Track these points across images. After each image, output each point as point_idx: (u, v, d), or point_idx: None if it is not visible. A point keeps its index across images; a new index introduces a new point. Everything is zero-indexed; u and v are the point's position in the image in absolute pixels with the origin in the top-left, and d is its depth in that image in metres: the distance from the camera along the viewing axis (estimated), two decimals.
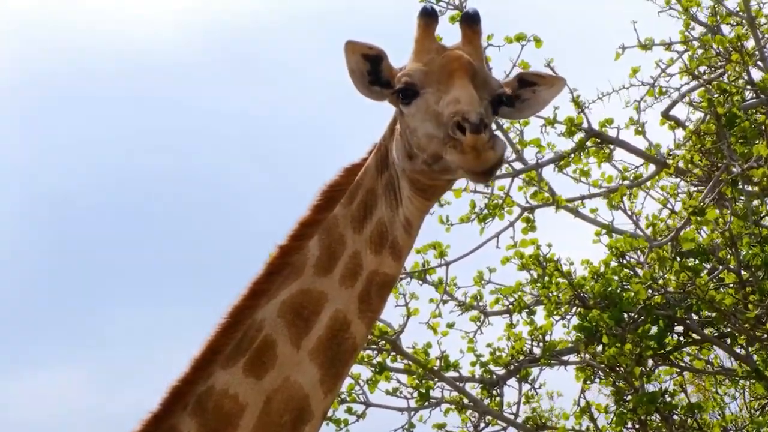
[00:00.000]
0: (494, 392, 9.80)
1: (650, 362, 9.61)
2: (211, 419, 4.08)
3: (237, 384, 4.09)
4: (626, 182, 10.18)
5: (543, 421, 9.86)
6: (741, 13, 10.22)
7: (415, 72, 4.11)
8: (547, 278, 9.63)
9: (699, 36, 10.18)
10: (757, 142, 9.56)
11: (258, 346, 4.11)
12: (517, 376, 9.88)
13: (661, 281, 9.29)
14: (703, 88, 9.79)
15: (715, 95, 9.63)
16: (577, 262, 9.81)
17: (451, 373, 9.72)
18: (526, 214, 9.99)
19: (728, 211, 9.23)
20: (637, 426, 9.42)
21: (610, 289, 9.36)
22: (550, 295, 9.58)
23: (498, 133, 9.82)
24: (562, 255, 9.71)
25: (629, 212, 10.01)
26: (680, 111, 10.34)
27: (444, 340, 9.74)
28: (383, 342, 9.51)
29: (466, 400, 9.69)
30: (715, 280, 9.45)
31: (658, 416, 9.42)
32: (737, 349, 9.71)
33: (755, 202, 9.52)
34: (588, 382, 9.75)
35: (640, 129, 10.13)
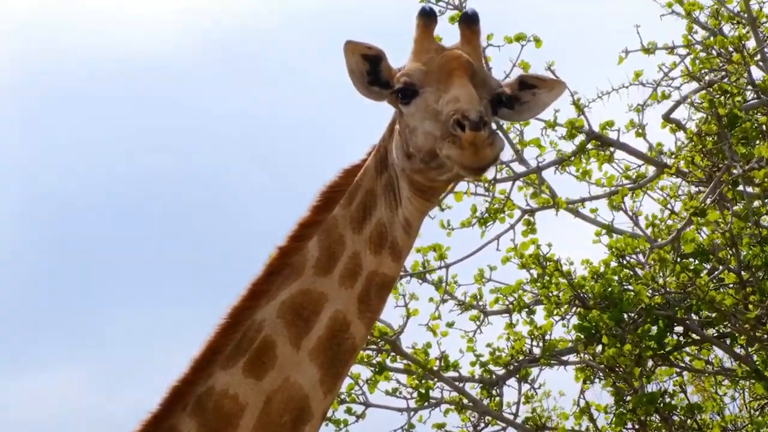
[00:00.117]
0: (494, 392, 9.80)
1: (650, 362, 9.60)
2: (211, 419, 4.08)
3: (237, 384, 4.09)
4: (627, 182, 10.17)
5: (543, 421, 9.86)
6: (742, 14, 10.22)
7: (414, 72, 4.12)
8: (547, 278, 9.63)
9: (702, 40, 10.17)
10: (757, 143, 9.56)
11: (258, 346, 4.12)
12: (517, 376, 9.88)
13: (660, 281, 9.29)
14: (704, 91, 9.79)
15: (717, 96, 9.63)
16: (577, 262, 9.82)
17: (451, 373, 9.71)
18: (526, 216, 9.98)
19: (729, 212, 9.22)
20: (636, 426, 9.42)
21: (610, 289, 9.36)
22: (550, 295, 9.58)
23: (498, 132, 9.91)
24: (562, 255, 9.72)
25: (630, 213, 10.01)
26: (681, 112, 10.34)
27: (443, 340, 9.75)
28: (383, 342, 9.51)
29: (465, 401, 9.68)
30: (715, 281, 9.45)
31: (657, 417, 9.42)
32: (737, 350, 9.71)
33: (756, 203, 9.52)
34: (587, 382, 9.74)
35: (640, 131, 10.13)
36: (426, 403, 9.69)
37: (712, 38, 10.04)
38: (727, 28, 10.41)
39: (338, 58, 4.21)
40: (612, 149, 10.14)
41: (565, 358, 9.85)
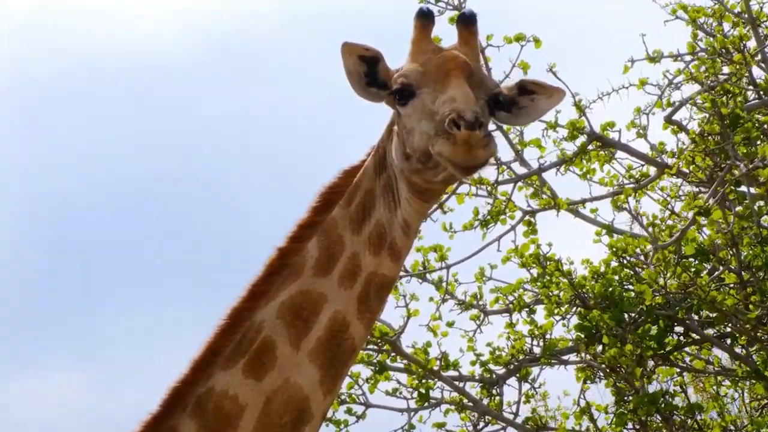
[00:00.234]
0: (494, 392, 9.79)
1: (650, 363, 9.60)
2: (211, 420, 4.08)
3: (237, 385, 4.09)
4: (629, 182, 10.16)
5: (543, 421, 9.85)
6: (743, 14, 10.22)
7: (411, 72, 4.12)
8: (547, 278, 9.63)
9: (706, 47, 10.16)
10: (758, 143, 9.56)
11: (257, 347, 4.12)
12: (517, 375, 9.87)
13: (661, 281, 9.29)
14: (706, 93, 9.79)
15: (719, 96, 9.62)
16: (577, 262, 9.82)
17: (451, 373, 9.71)
18: (527, 217, 9.98)
19: (731, 213, 9.22)
20: (637, 426, 9.41)
21: (611, 289, 9.36)
22: (551, 294, 9.58)
23: (498, 132, 9.92)
24: (562, 255, 9.71)
25: (634, 213, 10.01)
26: (683, 113, 10.33)
27: (443, 340, 9.74)
28: (382, 342, 9.50)
29: (466, 401, 9.68)
30: (715, 281, 9.44)
31: (658, 417, 9.41)
32: (737, 350, 9.71)
33: (759, 203, 9.51)
34: (588, 382, 9.74)
35: (641, 132, 10.13)
36: (426, 404, 9.69)
37: (714, 42, 10.03)
38: (727, 27, 10.41)
39: (338, 59, 4.22)
40: (613, 150, 10.14)
41: (565, 357, 9.85)
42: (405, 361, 9.62)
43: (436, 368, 9.57)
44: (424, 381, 9.60)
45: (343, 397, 9.59)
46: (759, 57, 10.13)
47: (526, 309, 9.91)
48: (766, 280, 9.26)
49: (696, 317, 9.55)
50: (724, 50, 9.88)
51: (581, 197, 10.21)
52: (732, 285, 9.40)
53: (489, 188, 9.94)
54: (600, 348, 9.38)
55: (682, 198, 10.31)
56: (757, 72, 10.19)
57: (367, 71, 4.22)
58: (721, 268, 9.51)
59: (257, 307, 4.17)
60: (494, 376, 9.83)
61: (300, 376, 4.08)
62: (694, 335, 9.70)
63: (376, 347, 9.57)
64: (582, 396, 9.81)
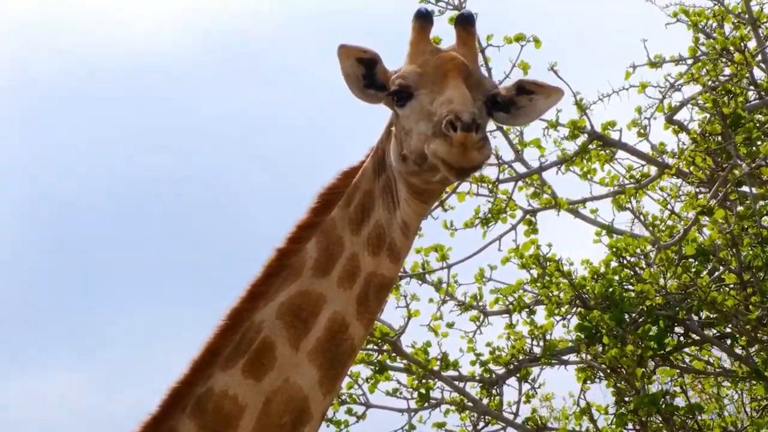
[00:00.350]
0: (494, 392, 9.79)
1: (650, 363, 9.60)
2: (211, 420, 4.08)
3: (236, 385, 4.09)
4: (629, 182, 10.16)
5: (544, 422, 9.85)
6: (743, 15, 10.22)
7: (409, 74, 4.11)
8: (547, 278, 9.62)
9: (707, 50, 10.16)
10: (759, 143, 9.55)
11: (257, 347, 4.12)
12: (517, 375, 9.87)
13: (662, 281, 9.29)
14: (707, 93, 9.79)
15: (721, 96, 9.62)
16: (577, 263, 9.81)
17: (451, 373, 9.71)
18: (528, 217, 9.98)
19: (732, 213, 9.22)
20: (637, 427, 9.40)
21: (611, 289, 9.35)
22: (551, 295, 9.58)
23: (498, 133, 9.92)
24: (562, 255, 9.71)
25: (636, 213, 10.01)
26: (684, 113, 10.33)
27: (443, 340, 9.74)
28: (382, 343, 9.50)
29: (466, 401, 9.68)
30: (715, 281, 9.44)
31: (658, 417, 9.41)
32: (737, 350, 9.70)
33: (761, 203, 9.51)
34: (588, 382, 9.74)
35: (642, 132, 10.13)
36: (426, 404, 9.69)
37: (716, 44, 10.03)
38: (728, 28, 10.40)
39: (337, 59, 4.21)
40: (614, 150, 10.13)
41: (565, 357, 9.84)
42: (405, 361, 9.62)
43: (436, 368, 9.57)
44: (424, 381, 9.60)
45: (343, 397, 9.59)
46: (759, 57, 10.13)
47: (526, 309, 9.91)
48: (766, 281, 9.25)
49: (696, 318, 9.54)
50: (725, 51, 9.87)
51: (582, 197, 10.21)
52: (732, 285, 9.40)
53: (490, 186, 9.94)
54: (600, 348, 9.38)
55: (683, 198, 10.30)
56: (758, 73, 10.19)
57: (365, 73, 4.22)
58: (721, 268, 9.51)
59: (256, 308, 4.17)
60: (494, 376, 9.83)
61: (299, 377, 4.08)
62: (694, 336, 9.70)
63: (376, 347, 9.57)
64: (582, 396, 9.81)
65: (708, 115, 9.83)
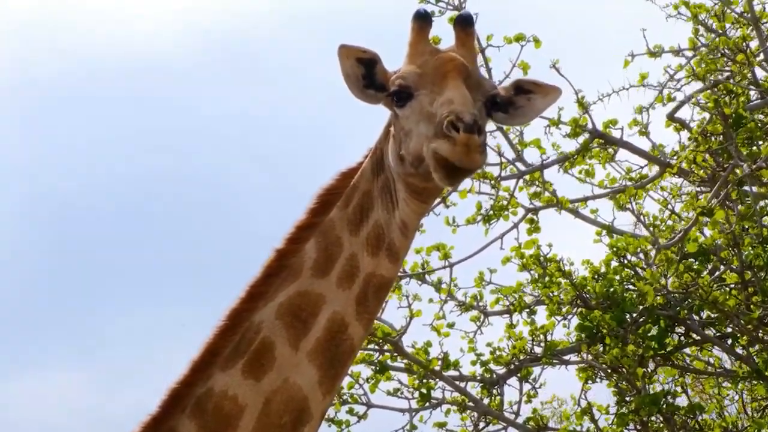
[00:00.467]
0: (494, 392, 9.78)
1: (651, 363, 9.59)
2: (211, 421, 4.08)
3: (236, 385, 4.09)
4: (629, 183, 10.15)
5: (545, 422, 9.84)
6: (745, 14, 10.22)
7: (409, 74, 4.11)
8: (548, 278, 9.62)
9: (708, 42, 10.16)
10: (760, 143, 9.55)
11: (256, 347, 4.11)
12: (518, 375, 9.86)
13: (663, 281, 9.28)
14: (709, 91, 9.78)
15: (722, 96, 9.61)
16: (577, 263, 9.81)
17: (452, 373, 9.71)
18: (530, 215, 9.97)
19: (733, 213, 9.21)
20: (638, 427, 9.40)
21: (612, 289, 9.35)
22: (551, 295, 9.57)
23: (498, 133, 9.91)
24: (562, 255, 9.71)
25: (636, 213, 10.00)
26: (685, 112, 10.33)
27: (444, 340, 9.74)
28: (383, 342, 9.50)
29: (467, 401, 9.68)
30: (716, 281, 9.43)
31: (659, 417, 9.40)
32: (738, 350, 9.70)
33: (762, 203, 9.50)
34: (589, 382, 9.73)
35: (644, 130, 10.12)
36: (427, 404, 9.69)
37: (717, 39, 10.03)
38: (729, 27, 10.39)
39: (337, 59, 4.21)
40: (615, 148, 10.13)
41: (566, 357, 9.84)
42: (406, 361, 9.61)
43: (437, 368, 9.56)
44: (425, 381, 9.59)
45: (344, 397, 9.59)
46: (761, 57, 10.12)
47: (527, 310, 9.90)
48: (767, 280, 9.24)
49: (697, 318, 9.53)
50: (727, 50, 9.86)
51: (583, 195, 10.21)
52: (733, 285, 9.39)
53: (492, 182, 9.93)
54: (601, 348, 9.37)
55: (683, 198, 10.30)
56: (760, 73, 10.18)
57: (365, 73, 4.21)
58: (722, 267, 9.50)
59: (256, 308, 4.17)
60: (495, 376, 9.83)
61: (299, 377, 4.08)
62: (694, 335, 9.69)
63: (377, 347, 9.56)
64: (583, 396, 9.80)
65: (708, 115, 9.82)
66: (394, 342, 9.47)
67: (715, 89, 9.76)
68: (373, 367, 9.60)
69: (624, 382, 9.32)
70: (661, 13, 10.39)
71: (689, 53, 10.24)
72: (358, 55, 4.19)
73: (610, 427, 9.54)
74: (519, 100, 4.31)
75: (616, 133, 10.08)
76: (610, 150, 10.15)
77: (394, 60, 4.26)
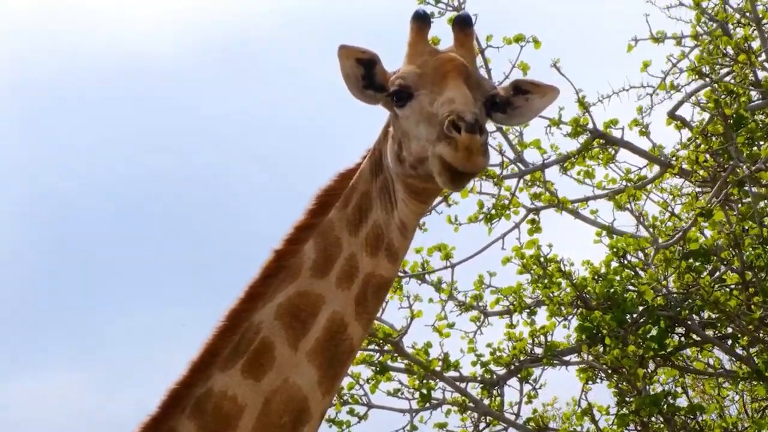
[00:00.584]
0: (495, 392, 9.78)
1: (651, 364, 9.58)
2: (211, 421, 4.07)
3: (236, 385, 4.08)
4: (629, 184, 10.14)
5: (545, 422, 9.84)
6: (748, 14, 10.21)
7: (408, 74, 4.10)
8: (548, 279, 9.61)
9: (709, 31, 10.16)
10: (761, 143, 9.54)
11: (256, 348, 4.11)
12: (518, 376, 9.86)
13: (663, 282, 9.27)
14: (709, 89, 9.77)
15: (722, 96, 9.61)
16: (578, 263, 9.80)
17: (452, 373, 9.70)
18: (531, 215, 9.97)
19: (734, 213, 9.20)
20: (639, 428, 9.39)
21: (612, 290, 9.34)
22: (552, 295, 9.56)
23: (498, 133, 9.91)
24: (562, 256, 9.70)
25: (636, 213, 9.99)
26: (686, 111, 10.32)
27: (444, 341, 9.74)
28: (384, 343, 9.49)
29: (467, 402, 9.67)
30: (717, 281, 9.42)
31: (659, 418, 9.39)
32: (738, 351, 9.69)
33: (762, 204, 9.49)
34: (590, 383, 9.73)
35: (644, 130, 10.12)
36: (428, 404, 9.68)
37: (720, 30, 10.02)
38: (731, 28, 10.40)
39: (337, 60, 4.20)
40: (616, 148, 10.13)
41: (566, 358, 9.83)
42: (406, 362, 9.61)
43: (437, 369, 9.56)
44: (425, 381, 9.59)
45: (345, 397, 9.59)
46: (763, 57, 10.11)
47: (527, 310, 9.89)
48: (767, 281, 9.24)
49: (697, 318, 9.53)
50: (730, 48, 9.86)
51: (584, 195, 10.21)
52: (734, 286, 9.38)
53: (495, 180, 9.93)
54: (602, 349, 9.36)
55: (683, 199, 10.29)
56: (761, 73, 10.17)
57: (365, 74, 4.21)
58: (723, 268, 9.49)
59: (255, 309, 4.17)
60: (495, 376, 9.82)
61: (299, 377, 4.08)
62: (695, 336, 9.68)
63: (378, 348, 9.56)
64: (583, 397, 9.80)
65: (709, 115, 9.82)
66: (394, 342, 9.47)
67: (716, 89, 9.75)
68: (374, 368, 9.60)
69: (624, 383, 9.32)
70: (660, 14, 10.40)
71: (691, 42, 10.24)
72: (357, 56, 4.19)
73: (610, 428, 9.54)
74: (517, 101, 4.31)
75: (616, 133, 10.08)
76: (611, 150, 10.14)
77: (394, 60, 4.26)
